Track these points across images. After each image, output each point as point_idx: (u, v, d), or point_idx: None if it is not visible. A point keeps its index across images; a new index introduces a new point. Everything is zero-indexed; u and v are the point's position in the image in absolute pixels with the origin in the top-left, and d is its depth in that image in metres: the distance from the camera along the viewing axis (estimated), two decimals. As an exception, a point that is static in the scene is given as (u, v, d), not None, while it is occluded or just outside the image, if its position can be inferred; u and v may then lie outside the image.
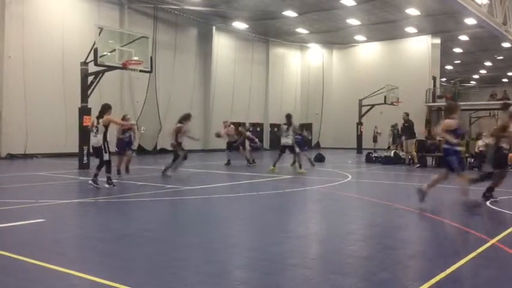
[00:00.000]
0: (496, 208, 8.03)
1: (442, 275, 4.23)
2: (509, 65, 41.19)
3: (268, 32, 32.08)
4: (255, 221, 7.23)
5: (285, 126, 14.78)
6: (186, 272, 4.39)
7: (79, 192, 10.66)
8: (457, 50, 36.53)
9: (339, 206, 9.10)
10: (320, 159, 19.73)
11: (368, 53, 35.24)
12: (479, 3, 18.29)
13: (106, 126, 10.17)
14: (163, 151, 24.60)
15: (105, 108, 10.35)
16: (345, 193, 10.58)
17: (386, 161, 19.08)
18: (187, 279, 4.16)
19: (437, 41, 32.71)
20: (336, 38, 33.64)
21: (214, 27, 28.97)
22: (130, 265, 4.63)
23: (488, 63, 42.79)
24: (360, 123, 28.20)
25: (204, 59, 28.99)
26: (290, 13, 27.04)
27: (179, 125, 13.12)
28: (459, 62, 41.94)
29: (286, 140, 14.64)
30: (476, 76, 49.48)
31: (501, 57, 38.77)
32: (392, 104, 27.21)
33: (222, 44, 29.99)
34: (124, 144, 13.01)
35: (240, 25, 29.66)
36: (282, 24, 29.99)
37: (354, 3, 24.99)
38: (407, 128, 17.92)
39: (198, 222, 7.07)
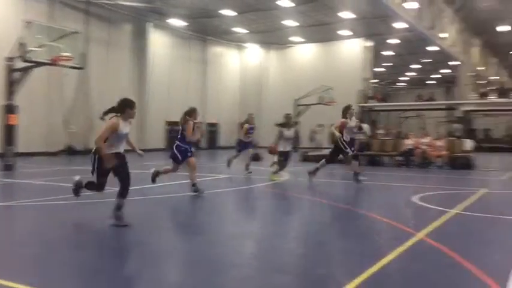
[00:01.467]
0: (423, 204, 8.43)
1: (374, 268, 4.37)
2: (435, 67, 43.59)
3: (206, 30, 31.80)
4: (193, 223, 7.12)
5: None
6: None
7: (3, 195, 10.01)
8: (388, 52, 38.06)
9: (276, 204, 9.20)
10: (256, 158, 19.82)
11: (304, 54, 35.88)
12: (409, 8, 19.23)
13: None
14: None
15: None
16: (282, 191, 10.71)
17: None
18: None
19: (370, 43, 33.92)
20: (273, 38, 34.00)
21: (150, 24, 28.30)
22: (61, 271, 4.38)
23: (416, 66, 44.99)
24: (295, 123, 28.51)
25: (140, 56, 28.22)
26: (228, 12, 26.98)
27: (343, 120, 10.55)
28: (390, 64, 43.76)
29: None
30: (405, 78, 51.91)
31: (428, 60, 40.86)
32: (326, 104, 27.80)
33: (158, 41, 29.34)
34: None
35: (177, 22, 29.18)
36: (220, 22, 29.87)
37: (292, 5, 25.33)
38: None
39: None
